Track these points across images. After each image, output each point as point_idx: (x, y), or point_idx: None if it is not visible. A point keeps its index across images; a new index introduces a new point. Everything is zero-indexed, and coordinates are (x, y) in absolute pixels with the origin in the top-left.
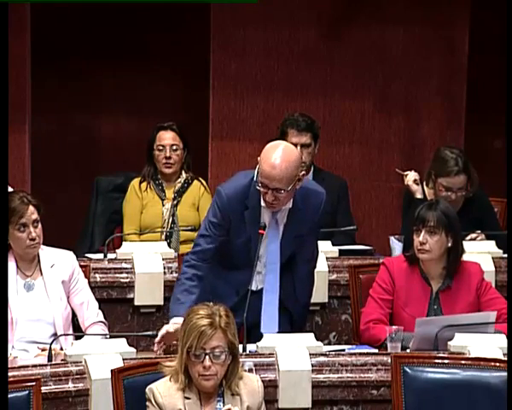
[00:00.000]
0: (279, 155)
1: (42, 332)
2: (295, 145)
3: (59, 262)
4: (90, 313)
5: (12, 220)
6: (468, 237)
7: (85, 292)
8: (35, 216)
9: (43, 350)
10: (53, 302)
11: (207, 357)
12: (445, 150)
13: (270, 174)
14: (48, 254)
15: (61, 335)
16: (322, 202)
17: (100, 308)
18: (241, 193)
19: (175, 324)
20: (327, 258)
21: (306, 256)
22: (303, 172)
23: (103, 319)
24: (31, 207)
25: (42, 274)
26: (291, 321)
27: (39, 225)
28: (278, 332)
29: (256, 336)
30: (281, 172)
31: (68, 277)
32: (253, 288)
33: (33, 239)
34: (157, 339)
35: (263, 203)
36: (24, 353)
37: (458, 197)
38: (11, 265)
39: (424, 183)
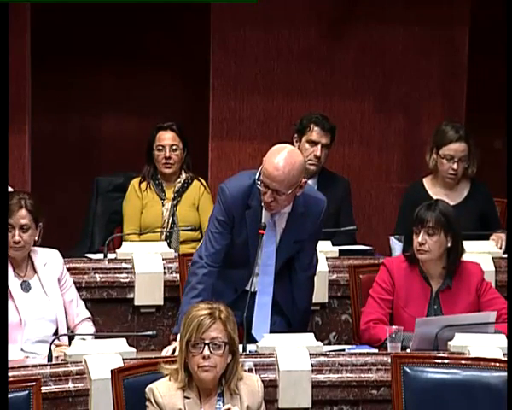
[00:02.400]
0: (284, 158)
1: (46, 331)
2: (315, 143)
3: (50, 261)
4: (80, 310)
5: None
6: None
7: (73, 289)
8: (24, 221)
9: (58, 346)
10: (52, 299)
11: (206, 347)
12: (446, 124)
13: (271, 174)
14: (39, 253)
15: (61, 335)
16: (322, 209)
17: (100, 308)
18: (243, 192)
19: None
20: (327, 258)
21: (305, 263)
22: (305, 180)
23: (89, 315)
24: (23, 211)
25: (36, 273)
26: (289, 323)
27: (29, 232)
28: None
29: (252, 337)
30: (283, 174)
31: (60, 274)
32: (252, 289)
33: (15, 242)
34: (164, 354)
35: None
36: (33, 355)
37: (460, 169)
38: (9, 266)
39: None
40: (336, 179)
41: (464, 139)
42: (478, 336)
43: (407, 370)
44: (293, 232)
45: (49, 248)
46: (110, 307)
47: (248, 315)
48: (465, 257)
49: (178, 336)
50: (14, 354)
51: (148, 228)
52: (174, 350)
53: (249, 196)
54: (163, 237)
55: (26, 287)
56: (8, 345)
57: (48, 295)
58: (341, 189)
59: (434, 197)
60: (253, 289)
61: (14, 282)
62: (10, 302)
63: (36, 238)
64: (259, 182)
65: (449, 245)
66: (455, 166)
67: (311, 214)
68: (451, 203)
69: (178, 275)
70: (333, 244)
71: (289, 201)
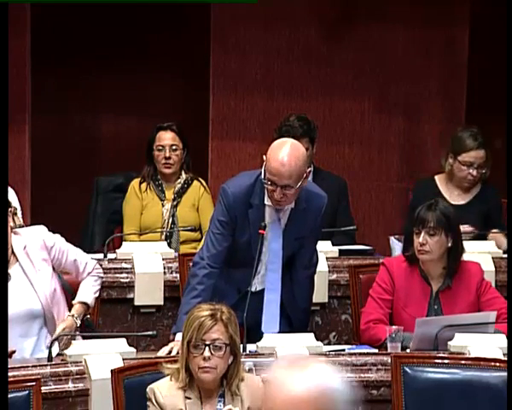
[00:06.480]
0: (287, 153)
1: (29, 325)
2: None
3: (30, 242)
4: (84, 267)
5: None
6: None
7: (71, 250)
8: None
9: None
10: (38, 288)
11: (207, 348)
12: (462, 130)
13: (279, 172)
14: (19, 237)
15: (61, 335)
16: (323, 205)
17: (100, 308)
18: (245, 192)
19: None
20: (327, 258)
21: (305, 261)
22: (309, 169)
23: (93, 265)
24: None
25: (18, 260)
26: (290, 322)
27: None
28: (278, 332)
29: (255, 337)
30: (290, 168)
31: (46, 251)
32: (252, 289)
33: None
34: (160, 354)
35: (266, 202)
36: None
37: (478, 175)
38: None
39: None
40: (331, 179)
41: (483, 146)
42: (478, 336)
43: (407, 370)
44: (295, 229)
45: (31, 226)
46: (110, 307)
47: (250, 315)
48: (465, 257)
49: (176, 336)
50: None
51: (148, 229)
52: (170, 351)
53: (251, 196)
54: (163, 237)
55: None
56: None
57: (32, 283)
58: (337, 188)
59: (445, 195)
60: (254, 289)
61: None
62: None
63: (12, 224)
64: (266, 181)
65: (449, 245)
66: (474, 172)
67: (311, 210)
68: (461, 202)
69: (178, 275)
70: (333, 244)
71: (297, 193)
